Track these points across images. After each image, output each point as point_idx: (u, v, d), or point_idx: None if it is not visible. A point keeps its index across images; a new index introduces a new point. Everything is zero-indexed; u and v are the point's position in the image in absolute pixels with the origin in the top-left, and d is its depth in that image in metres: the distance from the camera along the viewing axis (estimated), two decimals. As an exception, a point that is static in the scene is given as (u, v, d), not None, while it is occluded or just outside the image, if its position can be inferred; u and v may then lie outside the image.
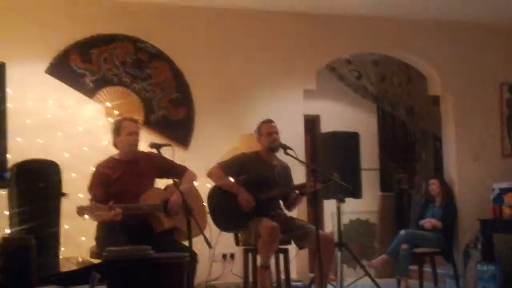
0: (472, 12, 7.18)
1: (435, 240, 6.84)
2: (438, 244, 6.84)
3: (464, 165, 7.48)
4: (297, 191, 5.34)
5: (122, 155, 4.82)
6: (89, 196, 4.62)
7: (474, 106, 7.58)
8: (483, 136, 7.56)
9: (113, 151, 4.89)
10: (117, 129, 4.81)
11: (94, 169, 4.78)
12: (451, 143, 7.62)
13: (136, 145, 4.79)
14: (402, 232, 6.88)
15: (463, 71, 7.59)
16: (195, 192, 4.99)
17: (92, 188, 4.66)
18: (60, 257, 4.70)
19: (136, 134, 4.80)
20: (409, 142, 8.94)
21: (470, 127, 7.54)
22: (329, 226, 8.00)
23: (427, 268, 6.91)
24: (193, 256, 4.34)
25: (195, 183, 5.05)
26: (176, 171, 4.86)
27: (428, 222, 6.96)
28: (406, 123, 8.68)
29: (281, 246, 5.17)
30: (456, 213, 7.23)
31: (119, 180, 4.68)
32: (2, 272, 3.30)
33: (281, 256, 5.30)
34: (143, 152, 4.87)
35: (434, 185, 7.18)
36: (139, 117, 6.39)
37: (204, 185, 5.26)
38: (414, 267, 6.93)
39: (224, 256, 6.43)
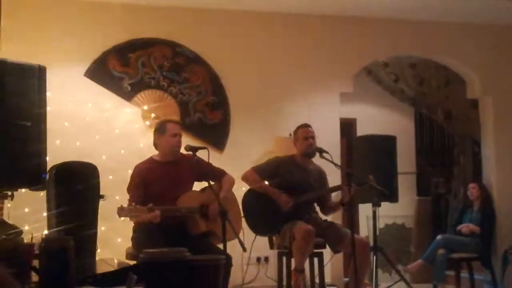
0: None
1: (473, 246, 6.75)
2: (476, 249, 6.75)
3: (503, 170, 7.37)
4: (337, 200, 5.34)
5: (162, 156, 4.86)
6: (127, 196, 4.69)
7: (514, 109, 7.48)
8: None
9: (149, 154, 4.94)
10: (161, 129, 4.86)
11: (133, 169, 4.85)
12: (490, 147, 7.51)
13: (179, 147, 4.84)
14: (439, 237, 6.81)
15: (503, 74, 7.49)
16: (232, 196, 5.01)
17: (131, 188, 4.73)
18: (97, 258, 4.75)
19: (179, 136, 4.86)
20: (446, 146, 8.85)
21: (510, 131, 7.43)
22: (365, 230, 7.96)
23: (464, 274, 6.81)
24: (228, 260, 4.35)
25: (231, 187, 5.09)
26: (215, 174, 4.89)
27: (466, 227, 6.87)
28: (444, 127, 8.59)
29: (316, 250, 5.16)
30: (494, 218, 7.12)
31: (158, 181, 4.72)
32: (41, 273, 3.35)
33: (316, 260, 5.29)
34: (183, 154, 4.88)
35: (473, 189, 7.08)
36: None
37: (239, 189, 5.28)
38: (451, 273, 6.84)
39: (258, 259, 6.43)
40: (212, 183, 4.66)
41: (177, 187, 4.74)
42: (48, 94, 4.13)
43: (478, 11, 6.96)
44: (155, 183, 4.72)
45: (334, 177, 5.73)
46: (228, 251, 4.26)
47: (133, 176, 4.80)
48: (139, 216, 4.43)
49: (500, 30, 7.47)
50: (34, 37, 6.09)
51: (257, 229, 5.17)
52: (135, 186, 4.72)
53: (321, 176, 5.42)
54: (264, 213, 5.14)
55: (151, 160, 4.89)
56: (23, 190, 4.21)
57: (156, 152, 4.92)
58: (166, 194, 4.66)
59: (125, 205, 4.46)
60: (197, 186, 4.96)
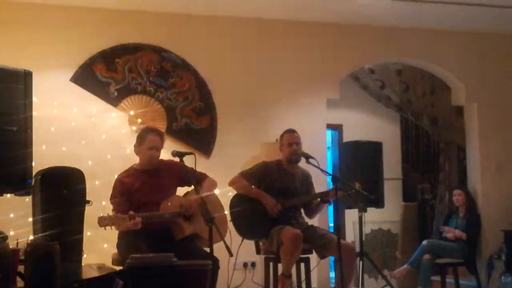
0: (497, 22, 7.14)
1: (458, 251, 6.78)
2: (461, 254, 6.78)
3: (488, 176, 7.43)
4: (319, 199, 5.35)
5: (142, 165, 4.87)
6: (111, 206, 4.67)
7: (498, 116, 7.53)
8: (507, 146, 7.50)
9: (135, 159, 4.94)
10: (141, 139, 4.86)
11: (114, 181, 4.83)
12: (475, 153, 7.57)
13: (155, 159, 4.83)
14: (425, 242, 6.84)
15: (487, 81, 7.56)
16: (216, 200, 5.01)
17: (113, 198, 4.71)
18: (83, 264, 4.73)
19: (156, 149, 4.82)
20: (432, 152, 8.91)
21: (495, 138, 7.48)
22: (351, 235, 7.97)
23: (450, 279, 6.85)
24: (215, 262, 4.34)
25: (216, 191, 5.09)
26: (196, 178, 4.88)
27: (452, 232, 6.89)
28: (429, 133, 8.64)
29: (302, 255, 5.17)
30: (480, 224, 7.17)
31: (140, 189, 4.72)
32: (27, 278, 3.33)
33: (302, 265, 5.30)
34: (163, 161, 4.91)
35: (459, 196, 7.11)
36: (162, 125, 6.44)
37: (226, 194, 5.28)
38: (436, 278, 6.87)
39: (245, 264, 6.43)
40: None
41: (160, 194, 4.73)
42: (34, 99, 4.11)
43: (463, 18, 7.01)
44: (137, 192, 4.72)
45: (321, 183, 5.74)
46: (214, 255, 4.25)
47: (115, 187, 4.79)
48: (120, 225, 4.41)
49: (486, 38, 7.54)
50: (20, 42, 6.07)
51: (245, 233, 5.16)
52: (118, 196, 4.71)
53: (307, 179, 5.44)
54: (251, 217, 5.14)
55: (131, 169, 4.89)
56: (8, 195, 4.18)
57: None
58: (150, 201, 4.66)
59: (110, 213, 4.46)
60: (181, 191, 4.96)
